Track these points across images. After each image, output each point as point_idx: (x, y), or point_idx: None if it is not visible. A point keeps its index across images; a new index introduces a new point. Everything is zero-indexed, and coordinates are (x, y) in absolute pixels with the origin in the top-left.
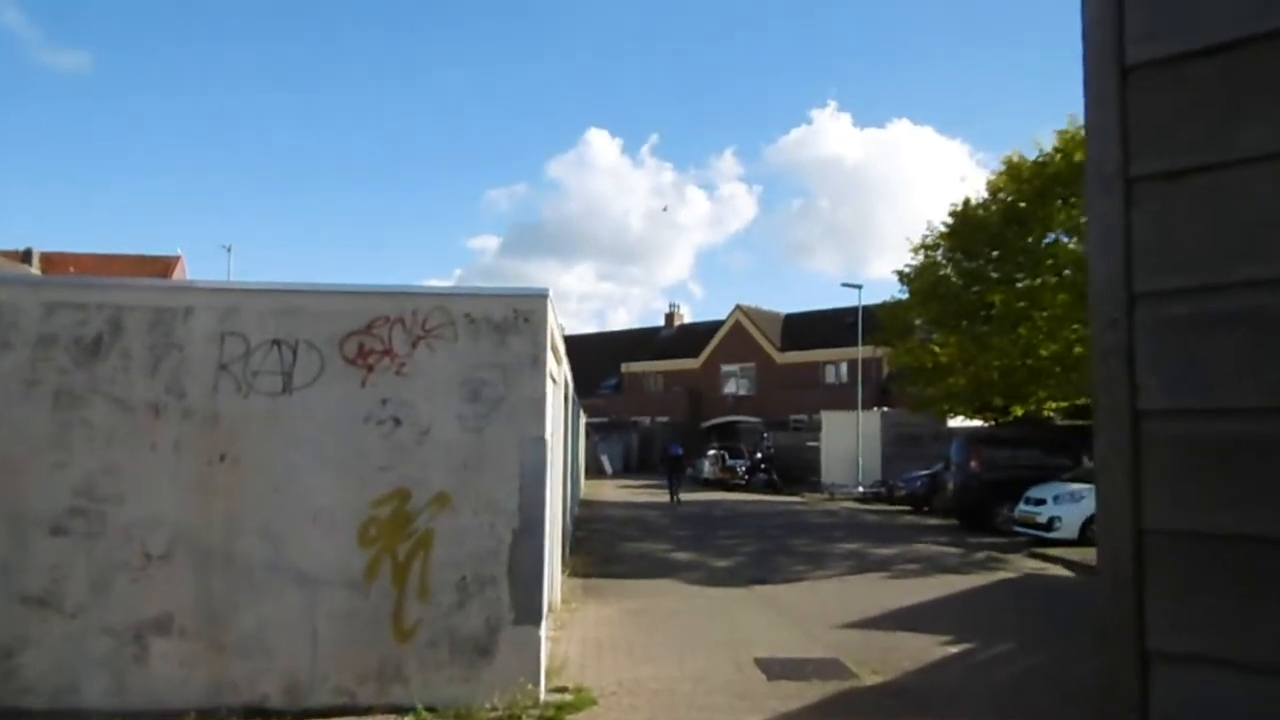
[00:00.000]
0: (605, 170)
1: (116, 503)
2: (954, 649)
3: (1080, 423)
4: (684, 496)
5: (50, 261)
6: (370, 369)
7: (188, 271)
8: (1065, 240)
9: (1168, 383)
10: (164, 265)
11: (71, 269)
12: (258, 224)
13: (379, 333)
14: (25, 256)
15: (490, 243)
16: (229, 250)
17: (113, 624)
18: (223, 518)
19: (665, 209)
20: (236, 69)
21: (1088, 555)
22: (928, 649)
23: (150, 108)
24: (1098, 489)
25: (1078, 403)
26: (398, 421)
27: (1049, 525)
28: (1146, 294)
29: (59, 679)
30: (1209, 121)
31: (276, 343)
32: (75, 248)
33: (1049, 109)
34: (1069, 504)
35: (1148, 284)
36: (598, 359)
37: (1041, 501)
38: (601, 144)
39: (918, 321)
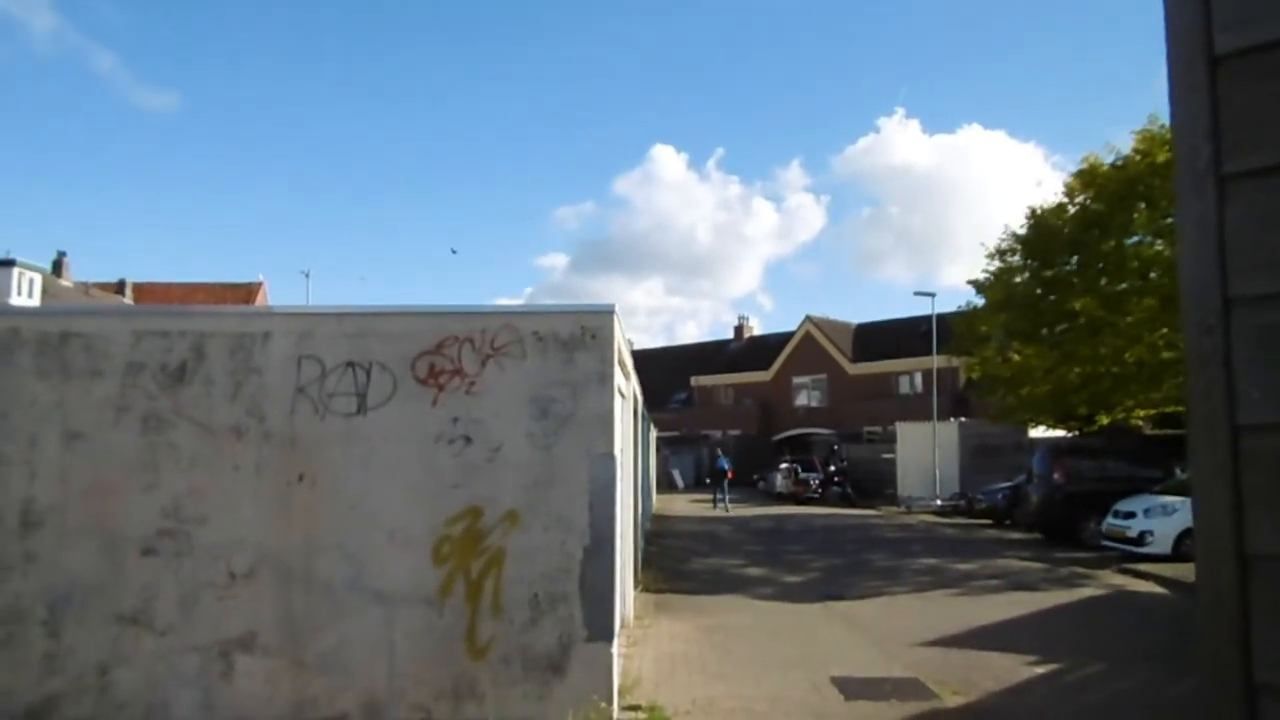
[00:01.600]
0: (671, 185)
1: (201, 523)
2: (1040, 669)
3: (1171, 432)
4: (758, 511)
5: (142, 291)
6: (441, 388)
7: (269, 297)
8: (1150, 243)
9: (1269, 395)
10: (247, 291)
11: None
12: (335, 249)
13: (449, 352)
14: (119, 287)
15: (559, 260)
16: (307, 275)
17: (200, 642)
18: (301, 537)
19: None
20: (310, 99)
21: (1182, 571)
22: (1012, 669)
23: (232, 140)
24: (1195, 509)
25: (1167, 411)
26: (468, 440)
27: (1139, 540)
28: (1244, 298)
29: (151, 695)
30: None
31: (351, 364)
32: (165, 277)
33: (1127, 107)
34: (1161, 517)
35: (1245, 287)
36: (667, 373)
37: (1131, 515)
38: (667, 159)
39: (994, 331)
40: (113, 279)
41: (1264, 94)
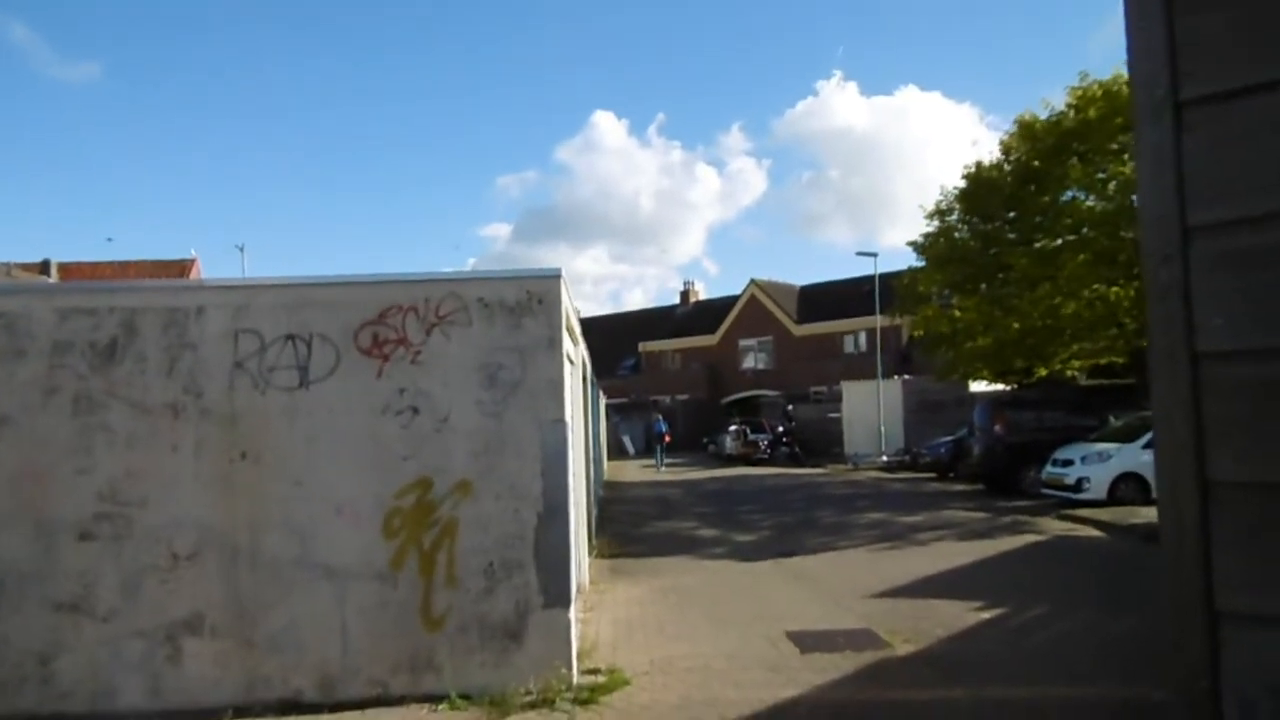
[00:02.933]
0: (613, 152)
1: (141, 505)
2: (987, 614)
3: (1104, 382)
4: (708, 473)
5: (68, 271)
6: (386, 359)
7: (203, 273)
8: (1083, 198)
9: (1231, 322)
10: (180, 268)
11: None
12: (270, 223)
13: (392, 322)
14: (44, 268)
15: (502, 230)
16: (242, 250)
17: (145, 626)
18: (247, 515)
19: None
20: (242, 67)
21: (1118, 515)
22: (960, 615)
23: (159, 112)
24: (1156, 439)
25: (1100, 362)
26: (416, 410)
27: (1077, 486)
28: (1203, 226)
29: (95, 683)
30: (1266, 36)
31: (290, 337)
32: (92, 256)
33: (1059, 66)
34: (1097, 464)
35: (1204, 216)
36: (615, 340)
37: (1069, 463)
38: (608, 126)
39: (935, 288)
40: (36, 259)
41: (1221, 19)
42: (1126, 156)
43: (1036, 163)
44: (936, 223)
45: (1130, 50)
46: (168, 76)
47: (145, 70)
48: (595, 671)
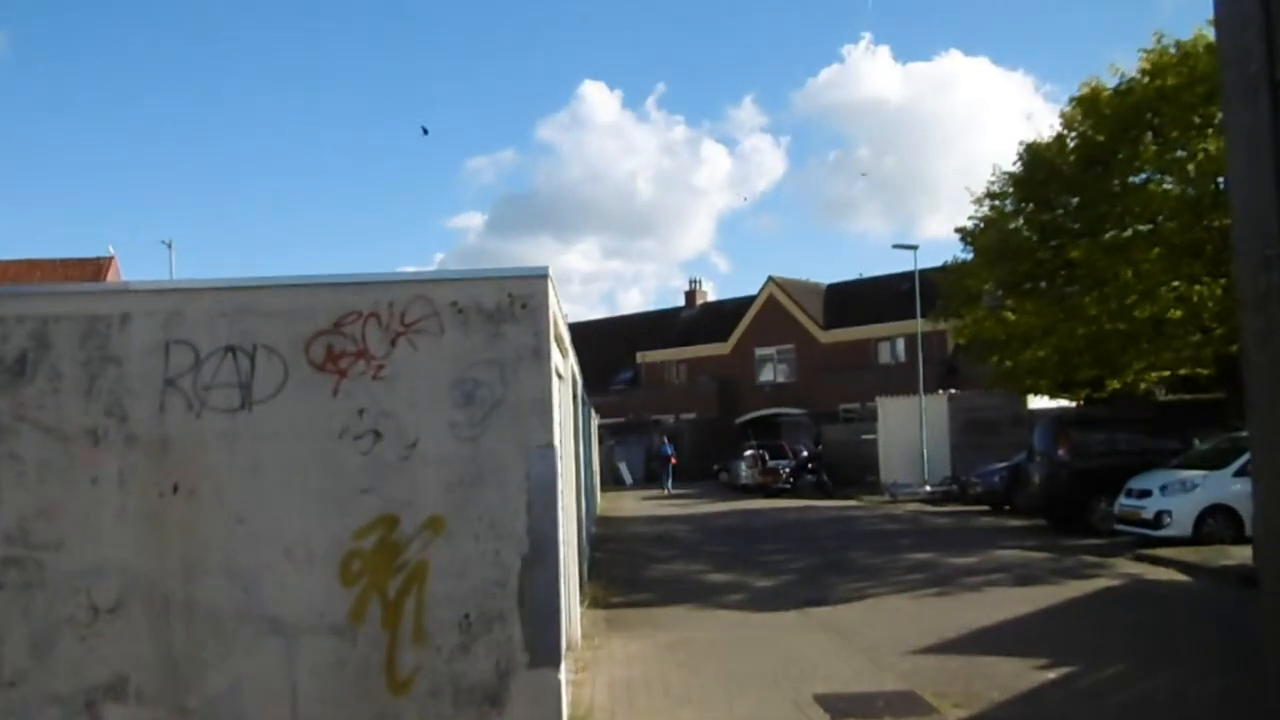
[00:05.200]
0: (605, 128)
1: (55, 549)
2: (1051, 674)
3: (1188, 397)
4: (721, 506)
5: None
6: (343, 374)
7: (122, 273)
8: (1158, 180)
9: None
10: (95, 267)
11: None
12: (201, 217)
13: (350, 331)
14: None
15: (474, 221)
16: (170, 246)
17: (59, 691)
18: (180, 559)
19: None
20: (170, 39)
21: (1205, 555)
22: (1020, 675)
23: (72, 89)
24: (1254, 470)
25: (1182, 373)
26: (378, 435)
27: (1156, 521)
28: None
29: None
30: None
31: (230, 350)
32: None
33: (1127, 26)
34: (1180, 495)
35: None
36: (609, 349)
37: (1146, 493)
38: (598, 98)
39: (986, 286)
40: None
41: None
42: (1210, 131)
43: (1102, 139)
44: (987, 208)
45: (1219, 22)
46: (84, 45)
47: (58, 38)
48: None
